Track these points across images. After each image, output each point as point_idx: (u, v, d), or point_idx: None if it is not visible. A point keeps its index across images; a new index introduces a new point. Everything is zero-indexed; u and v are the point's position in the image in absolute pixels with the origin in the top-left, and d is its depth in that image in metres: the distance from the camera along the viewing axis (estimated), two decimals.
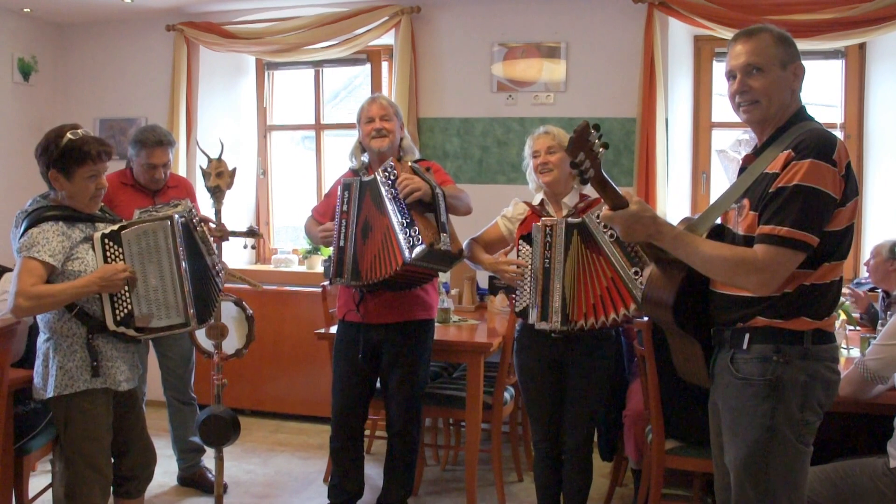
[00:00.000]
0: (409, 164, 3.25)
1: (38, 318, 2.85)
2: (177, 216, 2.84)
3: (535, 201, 3.23)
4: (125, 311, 2.74)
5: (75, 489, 2.80)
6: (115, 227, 2.79)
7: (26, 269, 2.61)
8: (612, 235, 2.93)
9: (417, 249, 2.97)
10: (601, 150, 2.11)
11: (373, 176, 3.22)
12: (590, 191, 2.73)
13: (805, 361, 2.14)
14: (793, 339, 2.15)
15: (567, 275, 2.97)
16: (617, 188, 2.19)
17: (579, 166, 2.12)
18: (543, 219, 3.06)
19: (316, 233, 3.45)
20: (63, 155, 2.68)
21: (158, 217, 2.84)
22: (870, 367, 2.76)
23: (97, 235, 2.76)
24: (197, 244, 2.96)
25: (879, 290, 3.78)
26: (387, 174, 3.14)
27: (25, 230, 2.67)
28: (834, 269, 2.17)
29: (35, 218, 2.69)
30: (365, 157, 3.46)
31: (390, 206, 3.10)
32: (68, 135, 2.70)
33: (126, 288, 2.73)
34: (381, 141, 3.36)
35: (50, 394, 2.75)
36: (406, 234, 3.02)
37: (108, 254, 2.75)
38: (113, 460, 2.96)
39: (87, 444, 2.78)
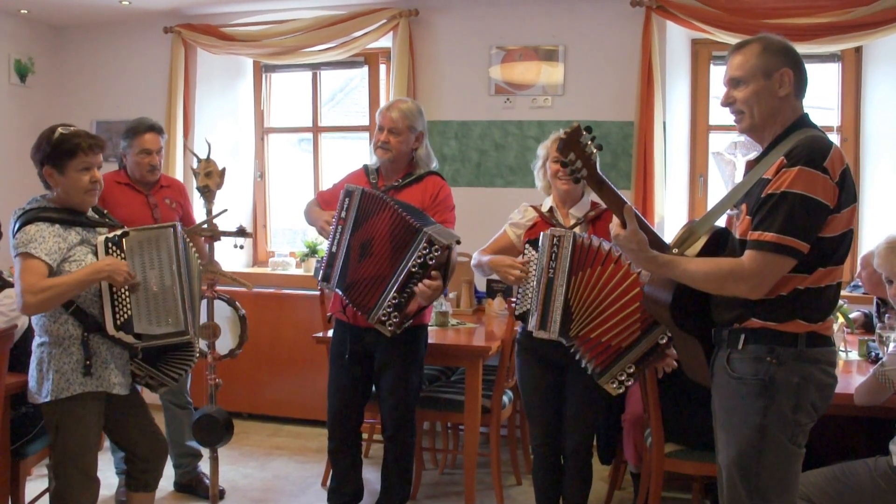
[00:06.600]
0: (453, 245, 3.12)
1: (33, 321, 2.81)
2: (179, 225, 2.87)
3: (545, 207, 3.21)
4: (125, 315, 2.73)
5: (65, 494, 2.78)
6: (119, 231, 2.80)
7: (26, 267, 2.59)
8: None
9: (376, 324, 3.12)
10: (594, 151, 2.20)
11: (383, 192, 3.22)
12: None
13: (799, 363, 2.18)
14: (786, 341, 2.18)
15: (570, 288, 2.93)
16: (616, 190, 2.25)
17: (570, 165, 2.21)
18: (552, 228, 3.04)
19: (320, 223, 3.40)
20: (55, 149, 2.70)
21: (162, 225, 2.87)
22: (892, 378, 2.73)
23: (101, 239, 2.76)
24: (189, 256, 2.97)
25: (875, 298, 3.81)
26: (427, 251, 3.04)
27: (20, 227, 2.66)
28: (830, 274, 2.19)
29: (30, 216, 2.68)
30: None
31: (402, 273, 3.07)
32: (59, 130, 2.73)
33: (126, 290, 2.72)
34: (382, 153, 3.34)
35: (45, 398, 2.73)
36: (388, 308, 3.09)
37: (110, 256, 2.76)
38: (126, 456, 3.01)
39: (79, 449, 2.77)
